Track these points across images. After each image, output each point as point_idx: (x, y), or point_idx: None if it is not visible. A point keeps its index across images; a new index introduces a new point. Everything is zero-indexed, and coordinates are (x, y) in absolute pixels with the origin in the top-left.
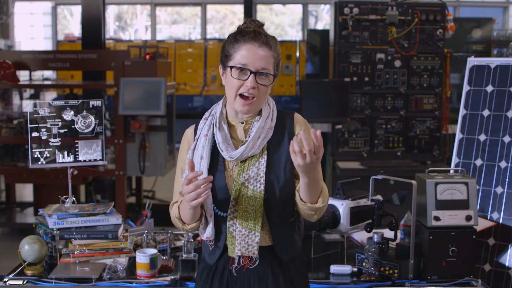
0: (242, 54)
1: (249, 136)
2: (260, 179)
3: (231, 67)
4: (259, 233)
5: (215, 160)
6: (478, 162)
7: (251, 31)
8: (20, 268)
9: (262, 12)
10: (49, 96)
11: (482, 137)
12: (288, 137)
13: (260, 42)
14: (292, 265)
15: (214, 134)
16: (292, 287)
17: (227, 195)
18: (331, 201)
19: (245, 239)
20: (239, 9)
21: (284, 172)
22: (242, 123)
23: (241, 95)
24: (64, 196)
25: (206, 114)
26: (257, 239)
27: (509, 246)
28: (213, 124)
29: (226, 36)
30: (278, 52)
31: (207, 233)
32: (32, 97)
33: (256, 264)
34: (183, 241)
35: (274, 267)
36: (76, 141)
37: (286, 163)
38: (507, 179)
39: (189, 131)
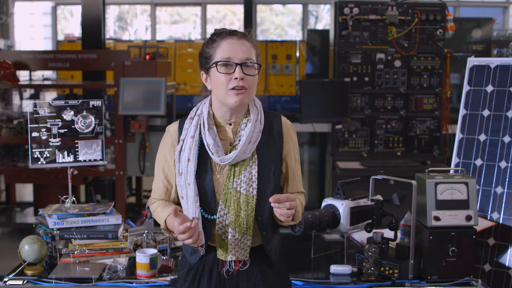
0: (224, 49)
1: (239, 140)
2: (252, 184)
3: (216, 63)
4: (251, 237)
5: (202, 162)
6: (478, 162)
7: (225, 31)
8: (20, 268)
9: (262, 12)
10: (49, 96)
11: (482, 137)
12: (277, 141)
13: (238, 35)
14: (277, 262)
15: (200, 135)
16: (279, 282)
17: (214, 198)
18: (331, 201)
19: (238, 243)
20: (239, 9)
21: (274, 176)
22: (230, 124)
23: (233, 89)
24: (64, 196)
25: (192, 113)
26: (249, 242)
27: (509, 246)
28: (200, 125)
29: None
30: (257, 45)
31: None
32: (32, 97)
33: (247, 266)
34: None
35: (262, 266)
36: (76, 141)
37: (275, 167)
38: (507, 179)
39: (173, 127)
